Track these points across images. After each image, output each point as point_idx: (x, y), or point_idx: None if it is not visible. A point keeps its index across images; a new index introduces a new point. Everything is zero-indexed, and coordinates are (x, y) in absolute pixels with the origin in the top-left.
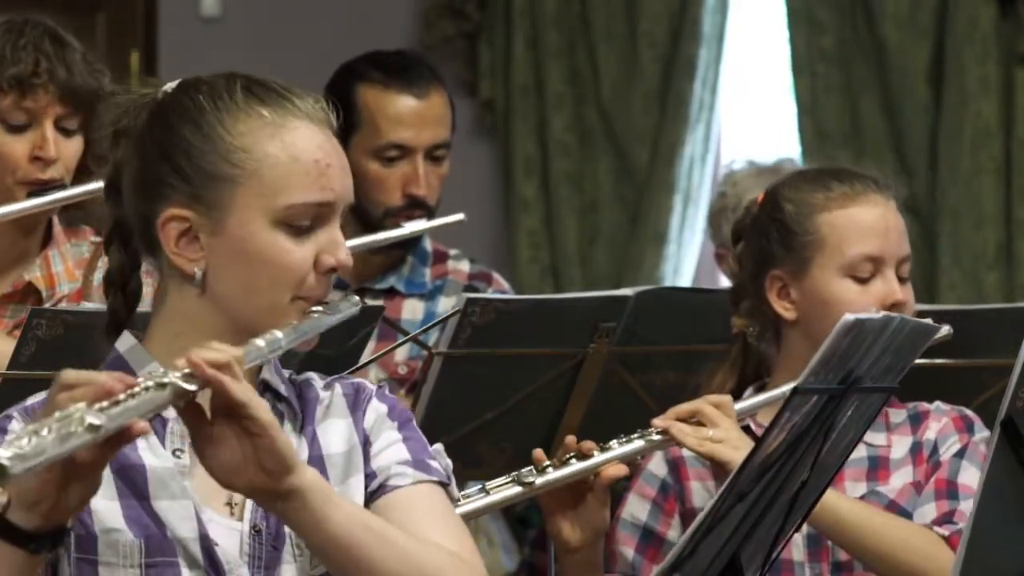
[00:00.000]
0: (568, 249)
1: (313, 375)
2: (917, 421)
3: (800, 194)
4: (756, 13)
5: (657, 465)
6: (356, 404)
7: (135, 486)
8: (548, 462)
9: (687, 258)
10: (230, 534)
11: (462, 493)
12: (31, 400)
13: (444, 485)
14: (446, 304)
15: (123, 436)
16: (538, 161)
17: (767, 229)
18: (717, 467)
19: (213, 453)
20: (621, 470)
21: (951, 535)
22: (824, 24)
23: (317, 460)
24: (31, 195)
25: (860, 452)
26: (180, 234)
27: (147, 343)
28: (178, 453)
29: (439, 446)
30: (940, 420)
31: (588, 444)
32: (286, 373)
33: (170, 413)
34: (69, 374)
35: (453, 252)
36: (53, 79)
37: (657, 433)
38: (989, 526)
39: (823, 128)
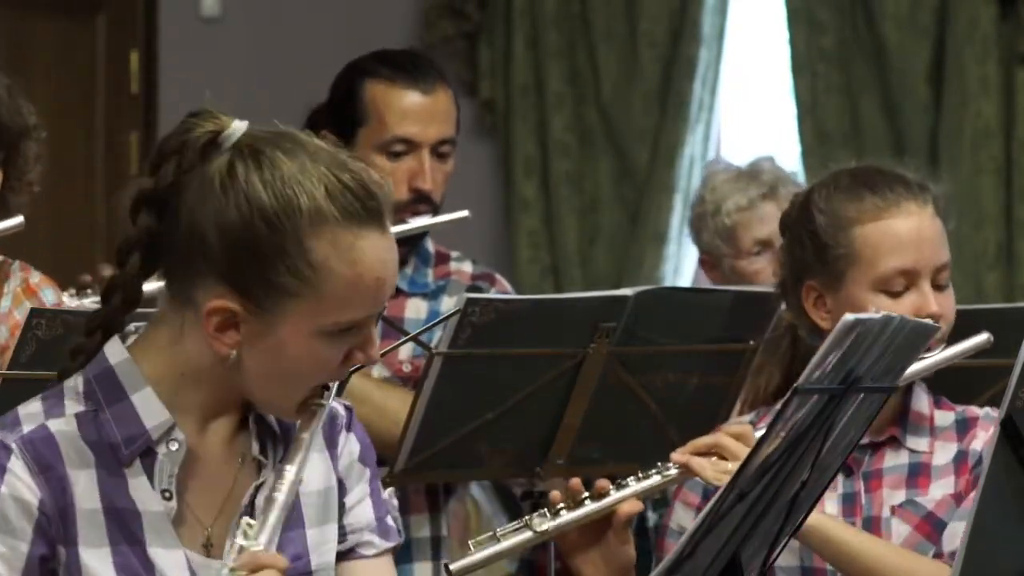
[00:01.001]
0: (568, 249)
1: None
2: (964, 428)
3: (832, 205)
4: (756, 13)
5: None
6: (331, 438)
7: (129, 531)
8: (562, 504)
9: (687, 258)
10: (210, 574)
11: (473, 540)
12: (27, 428)
13: (395, 548)
14: (449, 303)
15: None
16: (538, 161)
17: (801, 238)
18: None
19: None
20: (637, 507)
21: None
22: (824, 24)
23: (294, 496)
24: None
25: (902, 458)
26: (223, 322)
27: (141, 362)
28: (167, 494)
29: (390, 490)
30: (988, 430)
31: (602, 483)
32: None
33: (162, 448)
34: None
35: (455, 254)
36: None
37: (675, 468)
38: (989, 526)
39: (823, 128)
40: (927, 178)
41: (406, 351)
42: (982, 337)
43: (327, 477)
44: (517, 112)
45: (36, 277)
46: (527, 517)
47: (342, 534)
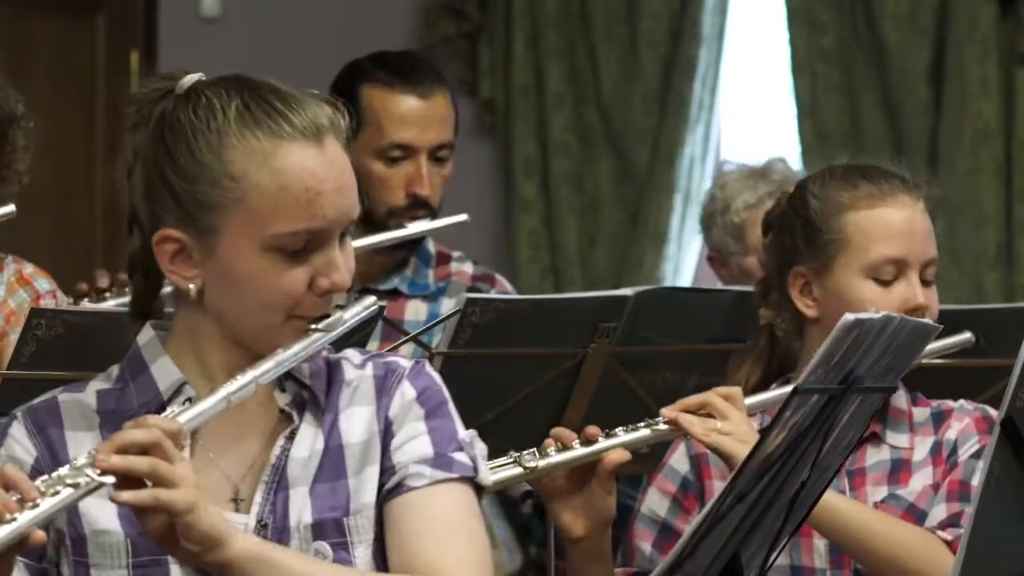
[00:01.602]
0: (568, 249)
1: (350, 353)
2: (940, 420)
3: (827, 191)
4: (756, 13)
5: (679, 461)
6: (383, 388)
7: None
8: (553, 446)
9: (687, 258)
10: (238, 528)
11: None
12: (37, 401)
13: (469, 479)
14: (449, 305)
15: (21, 545)
16: (538, 161)
17: (792, 224)
18: (724, 460)
19: (145, 520)
20: (624, 456)
21: (954, 540)
22: (824, 24)
23: (335, 450)
24: None
25: (883, 455)
26: (174, 253)
27: (168, 339)
28: None
29: (472, 433)
30: (962, 420)
31: (592, 430)
32: (324, 353)
33: (175, 407)
34: None
35: (456, 254)
36: None
37: (664, 423)
38: (989, 526)
39: (823, 128)
40: (921, 179)
41: (406, 352)
42: (964, 336)
43: (369, 428)
44: (517, 112)
45: (29, 268)
46: (517, 454)
47: (391, 472)
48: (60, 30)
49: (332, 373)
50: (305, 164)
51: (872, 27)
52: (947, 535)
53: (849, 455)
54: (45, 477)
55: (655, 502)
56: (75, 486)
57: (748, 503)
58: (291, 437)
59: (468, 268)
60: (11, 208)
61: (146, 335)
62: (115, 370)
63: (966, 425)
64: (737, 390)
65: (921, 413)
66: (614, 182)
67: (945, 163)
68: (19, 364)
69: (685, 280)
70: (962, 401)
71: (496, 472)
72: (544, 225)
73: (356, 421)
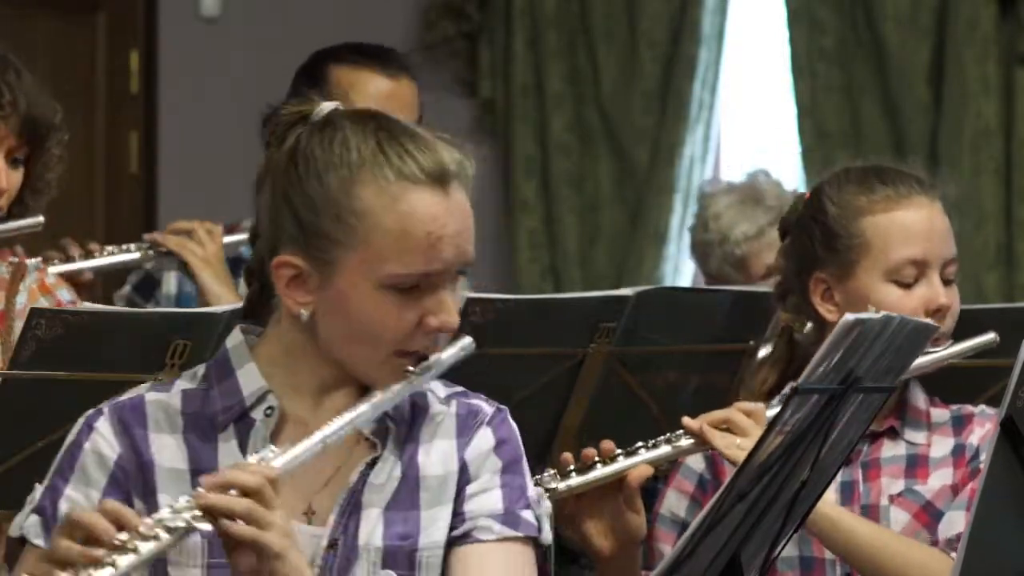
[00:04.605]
0: (568, 249)
1: (436, 386)
2: (960, 424)
3: (844, 196)
4: (756, 13)
5: (695, 460)
6: (465, 428)
7: None
8: (573, 466)
9: (687, 258)
10: (307, 540)
11: None
12: (125, 397)
13: (532, 539)
14: None
15: None
16: (538, 161)
17: (811, 230)
18: None
19: (237, 556)
20: (647, 471)
21: None
22: (824, 24)
23: (412, 480)
24: None
25: (899, 449)
26: (291, 278)
27: (258, 344)
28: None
29: (540, 491)
30: (984, 426)
31: (608, 445)
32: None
33: (257, 415)
34: (74, 516)
35: None
36: (15, 110)
37: (685, 436)
38: (989, 526)
39: (823, 128)
40: (934, 178)
41: None
42: (988, 336)
43: (446, 463)
44: (517, 112)
45: (52, 277)
46: (538, 476)
47: (461, 519)
48: (60, 30)
49: (415, 402)
50: (429, 209)
51: (872, 27)
52: None
53: (850, 453)
54: (147, 520)
55: (674, 503)
56: (172, 531)
57: (748, 503)
58: (372, 464)
59: None
60: (39, 219)
61: (235, 339)
62: (201, 369)
63: (988, 432)
64: (760, 406)
65: (939, 415)
66: (614, 182)
67: (945, 163)
68: (19, 364)
69: (685, 280)
70: (982, 406)
71: None
72: (544, 225)
73: (434, 455)
